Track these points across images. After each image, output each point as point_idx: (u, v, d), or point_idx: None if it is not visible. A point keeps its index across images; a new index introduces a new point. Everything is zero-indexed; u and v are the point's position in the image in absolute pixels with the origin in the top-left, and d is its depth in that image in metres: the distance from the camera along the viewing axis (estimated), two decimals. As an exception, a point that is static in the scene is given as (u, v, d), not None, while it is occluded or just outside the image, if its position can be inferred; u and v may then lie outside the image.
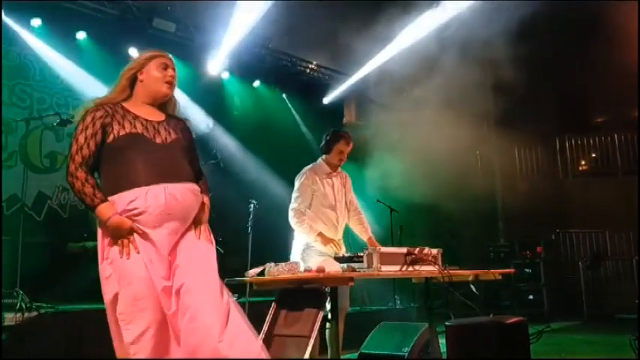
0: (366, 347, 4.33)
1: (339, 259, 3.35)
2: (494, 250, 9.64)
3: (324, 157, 4.13)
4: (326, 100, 9.43)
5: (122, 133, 2.32)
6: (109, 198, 2.28)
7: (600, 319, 8.22)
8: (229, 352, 2.12)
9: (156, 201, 2.26)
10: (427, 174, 7.54)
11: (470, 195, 8.70)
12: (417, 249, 3.39)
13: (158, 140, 2.38)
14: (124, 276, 2.21)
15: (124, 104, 2.44)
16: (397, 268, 3.28)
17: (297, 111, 8.90)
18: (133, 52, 7.13)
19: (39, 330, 4.11)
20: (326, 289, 3.02)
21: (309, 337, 2.89)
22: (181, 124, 2.54)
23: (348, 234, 4.22)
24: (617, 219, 9.30)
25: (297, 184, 4.05)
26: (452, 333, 3.45)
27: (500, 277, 3.91)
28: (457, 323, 3.55)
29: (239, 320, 2.24)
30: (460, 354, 3.39)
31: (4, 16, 6.03)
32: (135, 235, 2.25)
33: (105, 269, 2.28)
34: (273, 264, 3.09)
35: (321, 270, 3.01)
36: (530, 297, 8.87)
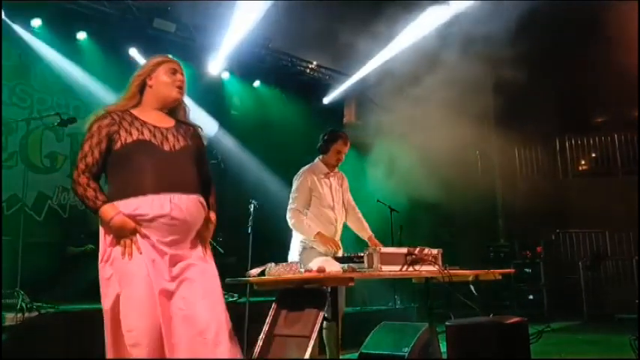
0: (366, 347, 4.34)
1: (340, 260, 3.35)
2: (495, 250, 9.65)
3: (321, 157, 4.13)
4: (326, 100, 9.43)
5: (129, 140, 2.31)
6: (115, 203, 2.28)
7: (600, 319, 8.23)
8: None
9: (160, 210, 2.25)
10: (427, 174, 7.54)
11: (470, 195, 8.70)
12: (417, 249, 3.40)
13: (166, 147, 2.36)
14: (126, 276, 2.21)
15: (133, 111, 2.44)
16: (397, 268, 3.29)
17: (297, 111, 8.90)
18: (134, 52, 7.15)
19: (39, 330, 4.11)
20: (327, 290, 3.02)
21: (309, 338, 2.90)
22: (191, 131, 2.52)
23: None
24: (617, 219, 9.30)
25: (295, 184, 4.05)
26: (452, 333, 3.46)
27: (500, 277, 3.92)
28: (457, 323, 3.55)
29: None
30: (460, 354, 3.39)
31: (4, 16, 6.03)
32: (137, 236, 2.25)
33: (105, 270, 2.27)
34: (273, 264, 3.10)
35: (321, 270, 3.01)
36: (530, 297, 8.87)
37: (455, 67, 7.56)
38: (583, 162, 11.11)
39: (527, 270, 9.01)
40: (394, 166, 7.68)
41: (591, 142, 10.93)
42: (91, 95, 6.86)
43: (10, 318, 4.02)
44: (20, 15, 6.23)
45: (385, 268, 3.19)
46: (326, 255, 3.64)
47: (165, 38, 7.25)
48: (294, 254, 3.96)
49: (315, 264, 3.08)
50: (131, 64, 7.09)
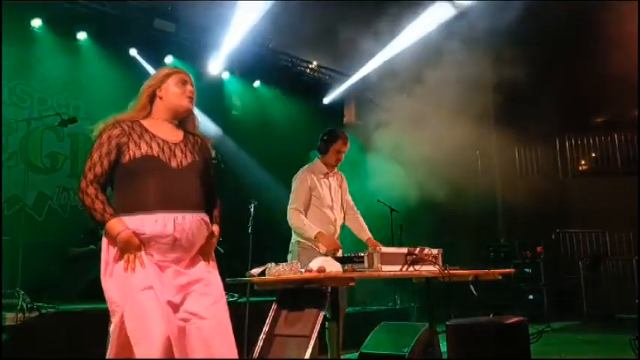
0: (367, 347, 4.34)
1: (340, 260, 3.35)
2: (495, 250, 9.65)
3: (320, 157, 4.13)
4: (326, 100, 9.44)
5: (138, 154, 2.30)
6: (127, 216, 2.27)
7: (600, 319, 8.23)
8: None
9: (164, 230, 2.25)
10: (427, 173, 7.54)
11: (470, 195, 8.70)
12: (418, 249, 3.40)
13: (173, 164, 2.35)
14: (130, 290, 2.19)
15: (143, 122, 2.42)
16: (398, 268, 3.29)
17: (297, 111, 8.91)
18: (134, 52, 7.16)
19: (40, 330, 4.12)
20: (327, 290, 3.02)
21: (309, 337, 2.90)
22: (200, 143, 2.51)
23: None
24: (617, 219, 9.30)
25: (294, 184, 4.05)
26: (452, 333, 3.47)
27: (500, 277, 3.92)
28: (457, 323, 3.56)
29: None
30: (460, 354, 3.40)
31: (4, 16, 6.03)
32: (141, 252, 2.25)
33: (108, 285, 2.27)
34: (274, 264, 3.10)
35: (321, 270, 3.01)
36: (530, 297, 8.87)
37: (455, 66, 7.56)
38: (583, 162, 11.11)
39: (527, 270, 9.01)
40: (394, 166, 7.67)
41: (591, 142, 10.93)
42: (91, 95, 6.87)
43: (10, 318, 4.02)
44: (20, 15, 6.23)
45: (385, 268, 3.19)
46: (326, 255, 3.64)
47: (165, 38, 7.25)
48: (294, 254, 3.96)
49: (315, 264, 3.08)
50: (131, 65, 7.11)
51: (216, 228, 2.50)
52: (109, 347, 2.26)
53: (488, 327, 3.45)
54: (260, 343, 3.10)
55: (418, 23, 8.10)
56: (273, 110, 8.81)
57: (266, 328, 3.14)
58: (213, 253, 2.48)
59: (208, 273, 2.38)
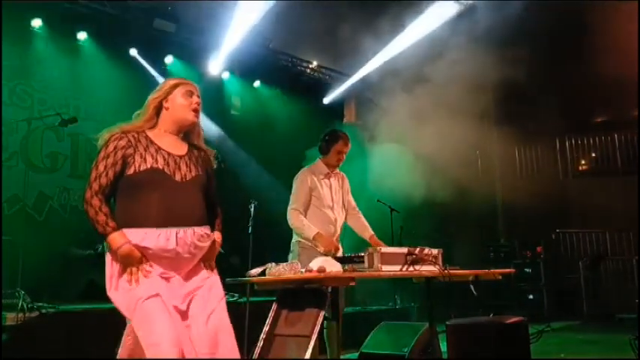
0: (367, 347, 4.35)
1: (340, 260, 3.36)
2: (495, 250, 9.65)
3: (322, 157, 4.14)
4: (326, 100, 9.44)
5: (143, 167, 2.31)
6: (130, 229, 2.28)
7: (600, 319, 8.23)
8: None
9: (166, 244, 2.27)
10: (427, 174, 7.54)
11: (470, 195, 8.71)
12: (418, 249, 3.40)
13: (177, 177, 2.37)
14: (135, 300, 2.20)
15: (149, 133, 2.43)
16: (398, 268, 3.29)
17: (298, 111, 8.91)
18: (134, 52, 7.16)
19: (40, 330, 4.12)
20: (327, 290, 3.02)
21: (310, 337, 2.90)
22: (203, 156, 2.54)
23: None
24: (617, 219, 9.30)
25: (295, 184, 4.06)
26: (452, 333, 3.47)
27: (500, 277, 3.92)
28: (457, 323, 3.56)
29: None
30: (460, 354, 3.40)
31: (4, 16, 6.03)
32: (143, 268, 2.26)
33: (115, 299, 2.28)
34: (274, 264, 3.10)
35: (322, 270, 3.02)
36: (531, 297, 8.88)
37: (455, 66, 7.56)
38: (583, 162, 11.11)
39: (527, 270, 9.02)
40: (394, 166, 7.67)
41: (591, 142, 10.92)
42: (91, 95, 6.88)
43: (10, 318, 4.02)
44: (20, 15, 6.23)
45: (385, 267, 3.20)
46: (325, 255, 3.64)
47: (165, 38, 7.25)
48: (294, 254, 3.97)
49: (315, 264, 3.08)
50: (131, 65, 7.11)
51: (217, 235, 2.52)
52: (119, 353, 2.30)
53: (488, 327, 3.45)
54: (260, 343, 3.10)
55: (418, 23, 8.09)
56: (273, 110, 8.81)
57: (266, 328, 3.15)
58: (214, 260, 2.50)
59: (208, 278, 2.40)
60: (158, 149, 2.38)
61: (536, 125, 10.08)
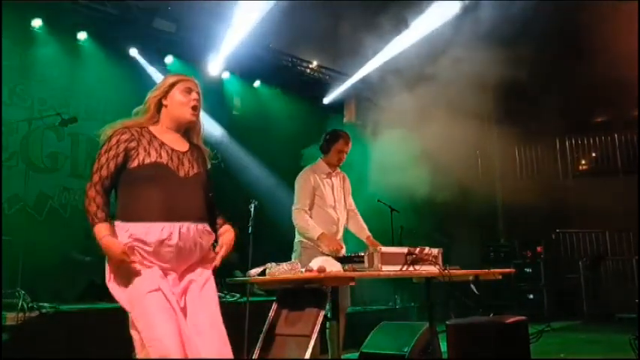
0: (367, 347, 4.35)
1: (340, 260, 3.36)
2: (495, 250, 9.65)
3: (323, 157, 4.16)
4: (326, 100, 9.43)
5: (147, 161, 2.32)
6: (124, 224, 2.28)
7: (600, 319, 8.24)
8: None
9: (169, 239, 2.27)
10: (427, 173, 7.54)
11: (470, 195, 8.71)
12: (418, 249, 3.40)
13: (181, 173, 2.38)
14: (135, 293, 2.21)
15: (151, 128, 2.44)
16: (398, 267, 3.29)
17: (298, 111, 8.91)
18: (134, 52, 7.16)
19: (40, 330, 4.12)
20: (327, 290, 3.02)
21: (310, 337, 2.90)
22: (202, 156, 2.55)
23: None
24: (617, 219, 9.30)
25: (297, 184, 4.06)
26: (452, 332, 3.46)
27: (500, 277, 3.92)
28: (457, 323, 3.56)
29: None
30: (460, 353, 3.40)
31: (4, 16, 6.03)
32: (141, 258, 2.26)
33: (115, 290, 2.28)
34: (274, 264, 3.10)
35: (322, 270, 3.02)
36: (531, 297, 8.88)
37: (455, 66, 7.56)
38: (583, 162, 11.11)
39: (527, 270, 9.02)
40: (394, 166, 7.68)
41: (591, 141, 10.93)
42: (91, 95, 6.87)
43: (11, 317, 4.02)
44: (20, 15, 6.22)
45: (385, 267, 3.20)
46: (328, 255, 3.65)
47: (165, 38, 7.25)
48: (297, 253, 3.98)
49: (315, 264, 3.08)
50: (131, 64, 7.10)
51: (228, 227, 2.54)
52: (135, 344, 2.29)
53: (488, 327, 3.45)
54: (260, 342, 3.11)
55: (418, 22, 8.09)
56: (273, 110, 8.81)
57: (266, 328, 3.15)
58: (231, 246, 2.50)
59: (201, 275, 2.40)
60: (162, 144, 2.39)
61: (537, 125, 10.09)
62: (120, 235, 2.26)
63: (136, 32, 7.01)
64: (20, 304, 4.14)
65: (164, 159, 2.35)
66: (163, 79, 2.57)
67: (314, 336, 2.92)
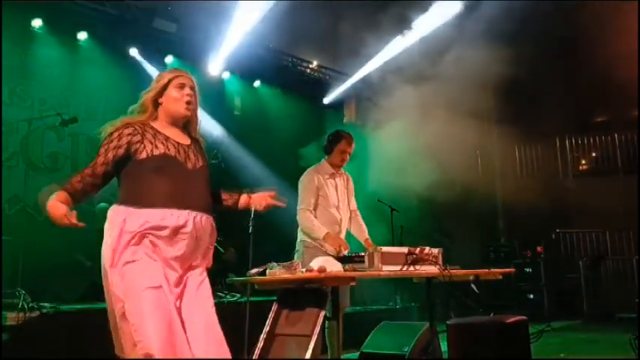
0: (367, 347, 4.35)
1: (340, 259, 3.36)
2: (495, 250, 9.65)
3: (326, 157, 4.17)
4: (326, 100, 9.44)
5: (156, 152, 2.35)
6: (137, 209, 2.28)
7: (600, 319, 8.24)
8: None
9: (184, 227, 2.30)
10: (427, 173, 7.54)
11: (470, 194, 8.70)
12: (418, 249, 3.40)
13: (189, 165, 2.43)
14: (134, 286, 2.21)
15: (153, 124, 2.47)
16: (398, 267, 3.29)
17: (298, 111, 8.91)
18: (134, 52, 7.16)
19: (40, 330, 4.12)
20: (328, 289, 3.02)
21: (310, 337, 2.90)
22: (202, 148, 2.60)
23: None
24: (617, 219, 9.30)
25: (301, 184, 4.08)
26: (453, 332, 3.46)
27: (500, 277, 3.92)
28: (458, 322, 3.56)
29: None
30: (461, 353, 3.40)
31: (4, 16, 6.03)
32: (149, 250, 2.26)
33: (114, 276, 2.26)
34: (274, 264, 3.10)
35: (322, 270, 3.02)
36: (531, 296, 8.88)
37: (455, 65, 7.56)
38: (583, 161, 11.11)
39: (527, 269, 9.02)
40: (394, 165, 7.67)
41: (591, 141, 10.93)
42: (91, 95, 6.87)
43: (11, 317, 4.02)
44: (20, 15, 6.22)
45: (386, 267, 3.20)
46: (336, 255, 3.66)
47: (165, 38, 7.24)
48: (299, 253, 3.99)
49: (315, 263, 3.08)
50: (132, 64, 7.10)
51: (245, 196, 2.74)
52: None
53: (488, 326, 3.45)
54: (261, 342, 3.10)
55: (418, 22, 8.09)
56: (273, 110, 8.81)
57: (267, 328, 3.15)
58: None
59: (200, 275, 2.41)
60: (167, 138, 2.43)
61: (537, 125, 10.08)
62: (132, 220, 2.26)
63: (136, 32, 7.01)
64: (20, 304, 4.14)
65: (172, 151, 2.39)
66: (158, 77, 2.58)
67: (314, 336, 2.92)
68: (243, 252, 5.10)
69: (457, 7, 7.85)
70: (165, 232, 2.26)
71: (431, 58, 7.79)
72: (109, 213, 2.34)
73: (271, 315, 3.20)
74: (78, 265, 5.77)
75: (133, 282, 2.21)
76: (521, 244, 9.42)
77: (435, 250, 3.51)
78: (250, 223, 4.88)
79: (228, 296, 5.71)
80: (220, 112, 7.89)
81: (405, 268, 3.31)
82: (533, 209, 9.19)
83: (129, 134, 2.37)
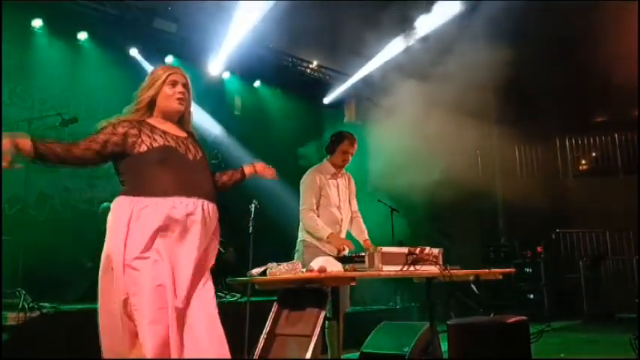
0: (367, 347, 4.35)
1: (341, 259, 3.36)
2: (495, 250, 9.65)
3: (328, 157, 4.19)
4: (326, 100, 9.44)
5: (155, 144, 2.39)
6: (143, 198, 2.29)
7: (600, 319, 8.23)
8: None
9: (193, 214, 2.33)
10: (427, 173, 7.54)
11: (470, 194, 8.70)
12: (418, 249, 3.40)
13: (190, 156, 2.48)
14: (135, 282, 2.21)
15: (148, 121, 2.50)
16: (398, 267, 3.29)
17: (298, 111, 8.91)
18: (134, 52, 7.16)
19: (41, 330, 4.12)
20: (328, 290, 3.02)
21: (311, 337, 2.90)
22: (197, 141, 2.63)
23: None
24: (617, 219, 9.30)
25: (303, 184, 4.08)
26: (453, 332, 3.46)
27: (500, 277, 3.92)
28: (458, 322, 3.55)
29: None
30: (461, 353, 3.39)
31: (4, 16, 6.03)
32: (160, 244, 2.25)
33: (111, 270, 2.26)
34: (275, 264, 3.10)
35: (322, 270, 3.02)
36: (531, 296, 8.88)
37: (455, 65, 7.56)
38: (583, 161, 11.11)
39: (527, 269, 9.02)
40: (394, 166, 7.67)
41: (592, 141, 10.93)
42: (92, 95, 6.88)
43: (12, 317, 4.03)
44: (20, 15, 6.22)
45: (386, 267, 3.20)
46: (338, 254, 3.66)
47: (165, 38, 7.25)
48: (299, 253, 3.99)
49: (316, 264, 3.08)
50: (132, 64, 7.11)
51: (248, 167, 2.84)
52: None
53: (489, 326, 3.45)
54: (261, 342, 3.10)
55: (419, 22, 8.10)
56: (273, 110, 8.81)
57: (267, 328, 3.15)
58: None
59: (205, 276, 2.41)
60: (164, 132, 2.47)
61: (537, 125, 10.08)
62: (140, 212, 2.26)
63: (136, 32, 7.01)
64: (21, 304, 4.14)
65: (172, 143, 2.43)
66: (151, 74, 2.59)
67: (315, 336, 2.92)
68: (243, 252, 5.10)
69: (457, 7, 7.85)
70: (177, 220, 2.28)
71: (431, 58, 7.80)
72: (113, 205, 2.34)
73: (271, 315, 3.20)
74: (78, 265, 5.78)
75: (134, 280, 2.21)
76: (521, 244, 9.42)
77: (435, 250, 3.51)
78: (250, 223, 4.90)
79: (228, 296, 5.72)
80: (220, 112, 7.89)
81: (405, 268, 3.31)
82: (533, 209, 9.19)
83: (125, 126, 2.40)
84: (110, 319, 2.26)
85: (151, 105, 2.53)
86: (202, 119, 7.35)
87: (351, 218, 4.25)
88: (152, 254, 2.23)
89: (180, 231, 2.29)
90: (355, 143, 4.16)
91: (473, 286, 3.79)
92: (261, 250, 4.73)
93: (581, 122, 10.76)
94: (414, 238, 6.72)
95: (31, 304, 4.20)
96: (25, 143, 2.16)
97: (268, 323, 3.17)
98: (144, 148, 2.36)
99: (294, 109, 8.89)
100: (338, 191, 4.12)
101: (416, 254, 3.36)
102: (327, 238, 3.86)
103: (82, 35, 6.80)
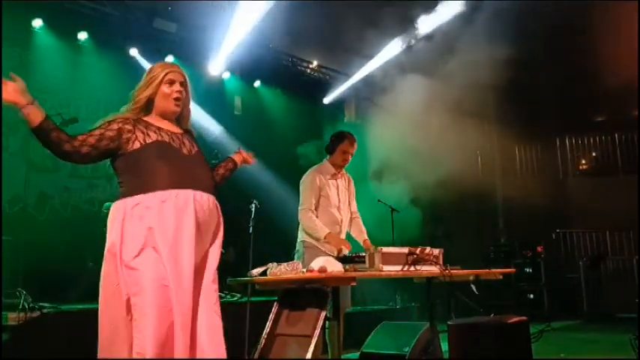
0: (367, 347, 4.34)
1: (341, 259, 3.36)
2: (495, 250, 9.65)
3: (328, 157, 4.18)
4: (326, 100, 9.44)
5: (149, 140, 2.40)
6: (138, 197, 2.30)
7: (600, 319, 8.23)
8: None
9: (185, 205, 2.32)
10: (427, 173, 7.54)
11: (470, 194, 8.70)
12: (419, 249, 3.40)
13: (184, 151, 2.48)
14: (136, 282, 2.21)
15: (145, 118, 2.52)
16: (398, 267, 3.29)
17: (298, 111, 8.92)
18: (134, 52, 7.16)
19: (41, 330, 4.12)
20: (328, 290, 3.02)
21: (311, 337, 2.90)
22: (194, 138, 2.64)
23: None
24: (617, 219, 9.30)
25: (303, 185, 4.08)
26: (453, 332, 3.46)
27: (501, 277, 3.92)
28: (458, 323, 3.55)
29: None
30: (461, 353, 3.39)
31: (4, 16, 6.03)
32: (157, 242, 2.25)
33: (112, 265, 2.26)
34: (275, 264, 3.10)
35: (323, 270, 3.02)
36: (531, 296, 8.88)
37: (455, 65, 7.56)
38: (583, 161, 11.11)
39: (527, 269, 9.02)
40: (394, 165, 7.68)
41: (592, 141, 10.93)
42: (92, 95, 6.88)
43: (12, 317, 4.03)
44: (21, 15, 6.22)
45: (386, 267, 3.19)
46: (338, 254, 3.66)
47: (165, 38, 7.25)
48: (299, 253, 3.99)
49: (316, 264, 3.08)
50: (132, 64, 7.11)
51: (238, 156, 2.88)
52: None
53: (489, 326, 3.45)
54: (261, 342, 3.10)
55: (419, 22, 8.10)
56: (273, 110, 8.81)
57: (267, 328, 3.15)
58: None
59: (210, 273, 2.41)
60: (159, 128, 2.48)
61: (537, 125, 10.08)
62: (133, 212, 2.27)
63: (136, 32, 7.02)
64: (21, 304, 4.14)
65: (166, 139, 2.44)
66: (149, 72, 2.61)
67: (315, 336, 2.92)
68: (244, 252, 5.10)
69: (457, 8, 7.85)
70: (170, 213, 2.27)
71: (431, 58, 7.80)
72: (111, 210, 2.37)
73: (272, 315, 3.20)
74: (78, 265, 5.78)
75: (136, 278, 2.21)
76: (521, 244, 9.41)
77: (436, 251, 3.51)
78: (250, 223, 4.90)
79: (228, 296, 5.72)
80: (220, 112, 7.89)
81: (405, 268, 3.31)
82: (534, 209, 9.19)
83: (120, 122, 2.42)
84: (110, 320, 2.26)
85: (149, 104, 2.54)
86: (202, 119, 7.35)
87: (351, 219, 4.25)
88: (150, 252, 2.23)
89: (175, 224, 2.27)
90: (355, 143, 4.16)
91: (473, 286, 3.79)
92: (261, 250, 4.73)
93: (581, 122, 10.76)
94: (414, 238, 6.72)
95: (31, 304, 4.20)
96: (39, 107, 2.36)
97: (268, 323, 3.17)
98: (137, 145, 2.38)
99: (294, 109, 8.89)
100: (338, 192, 4.12)
101: (416, 254, 3.35)
102: (325, 237, 3.85)
103: (82, 35, 6.81)
